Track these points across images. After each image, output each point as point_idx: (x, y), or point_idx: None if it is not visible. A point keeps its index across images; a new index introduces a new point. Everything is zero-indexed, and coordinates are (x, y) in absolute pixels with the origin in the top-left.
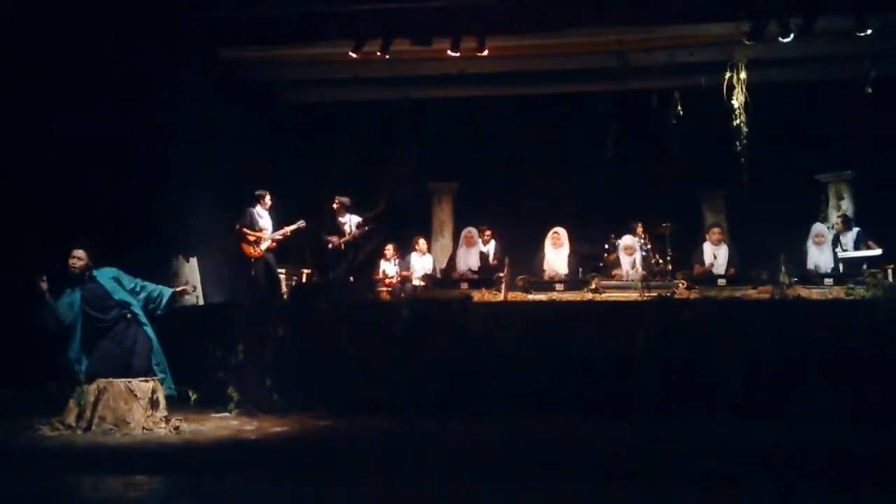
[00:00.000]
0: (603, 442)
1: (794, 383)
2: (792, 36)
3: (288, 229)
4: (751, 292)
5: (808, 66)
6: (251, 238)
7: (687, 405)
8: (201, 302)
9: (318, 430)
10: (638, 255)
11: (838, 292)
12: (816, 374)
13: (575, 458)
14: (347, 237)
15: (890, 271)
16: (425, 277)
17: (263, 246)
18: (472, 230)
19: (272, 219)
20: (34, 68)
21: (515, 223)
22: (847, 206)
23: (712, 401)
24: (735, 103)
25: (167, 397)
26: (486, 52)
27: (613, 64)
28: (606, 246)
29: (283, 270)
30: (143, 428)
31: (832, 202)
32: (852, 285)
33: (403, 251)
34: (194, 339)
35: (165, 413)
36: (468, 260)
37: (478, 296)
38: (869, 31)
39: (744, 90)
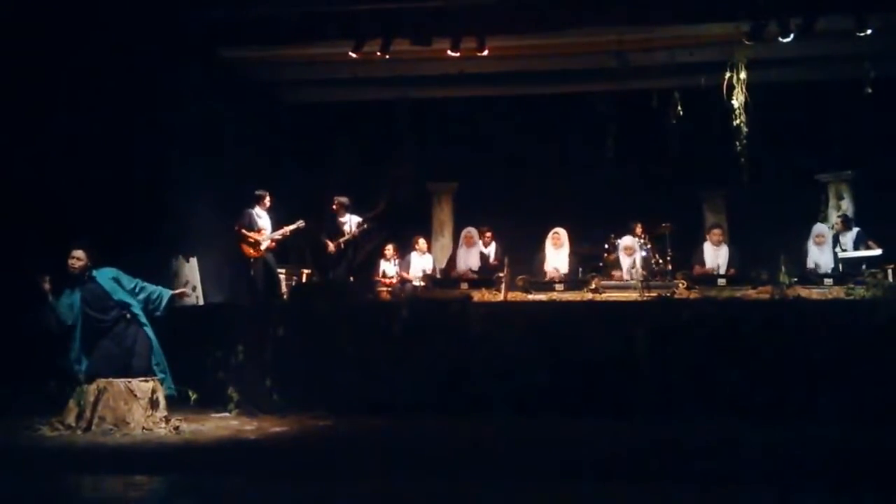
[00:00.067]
0: (603, 442)
1: (794, 383)
2: (792, 36)
3: (287, 229)
4: (751, 292)
5: (808, 66)
6: (250, 239)
7: (687, 405)
8: (201, 302)
9: (318, 430)
10: (638, 256)
11: (838, 292)
12: (816, 374)
13: (575, 458)
14: (347, 237)
15: (890, 271)
16: (425, 277)
17: (263, 246)
18: (472, 230)
19: (271, 219)
20: (34, 68)
21: (515, 223)
22: (847, 206)
23: (712, 401)
24: (735, 103)
25: (167, 397)
26: (486, 52)
27: (613, 64)
28: (606, 246)
29: (283, 270)
30: (143, 428)
31: (832, 202)
32: (852, 285)
33: (403, 251)
34: (194, 339)
35: (165, 413)
36: (468, 260)
37: (478, 296)
38: (869, 31)
39: (744, 90)
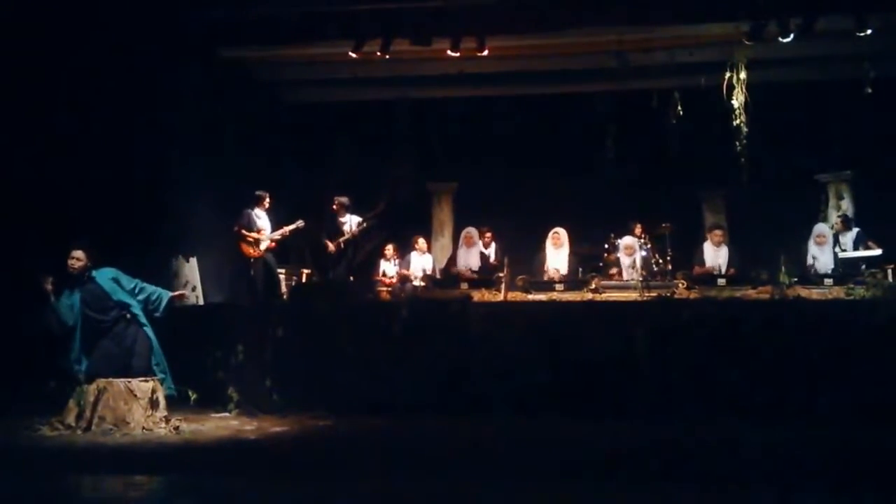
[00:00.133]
0: (603, 442)
1: (794, 383)
2: (792, 36)
3: (287, 229)
4: (751, 292)
5: (808, 66)
6: (250, 239)
7: (687, 405)
8: (201, 302)
9: (318, 430)
10: (638, 256)
11: (838, 292)
12: (816, 374)
13: (575, 458)
14: (347, 236)
15: (890, 271)
16: (425, 277)
17: (263, 246)
18: (472, 230)
19: (271, 219)
20: (34, 68)
21: (515, 223)
22: (847, 206)
23: (712, 401)
24: (735, 103)
25: (167, 397)
26: (486, 52)
27: (613, 64)
28: (606, 246)
29: (282, 270)
30: (143, 428)
31: (832, 202)
32: (852, 285)
33: (403, 251)
34: (194, 339)
35: (165, 413)
36: (468, 260)
37: (478, 296)
38: (869, 31)
39: (744, 90)
